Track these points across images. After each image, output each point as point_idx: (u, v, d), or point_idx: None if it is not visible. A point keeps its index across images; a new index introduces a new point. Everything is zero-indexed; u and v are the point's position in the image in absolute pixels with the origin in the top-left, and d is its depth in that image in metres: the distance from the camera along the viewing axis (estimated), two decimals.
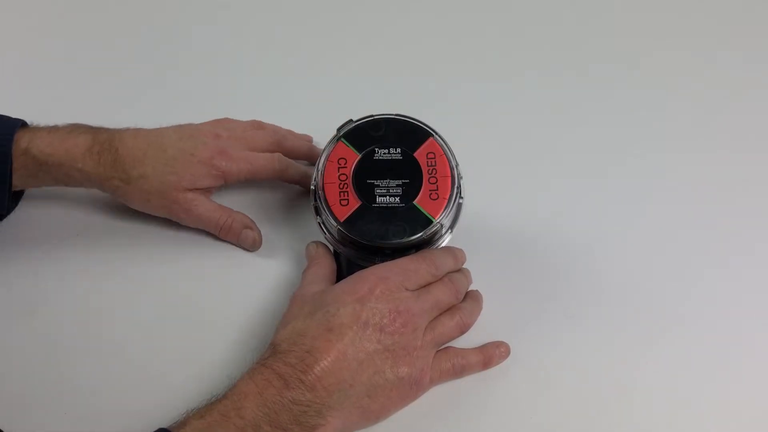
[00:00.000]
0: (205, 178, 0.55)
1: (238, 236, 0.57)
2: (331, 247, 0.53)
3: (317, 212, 0.52)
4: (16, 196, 0.58)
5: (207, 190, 0.57)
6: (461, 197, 0.52)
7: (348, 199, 0.51)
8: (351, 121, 0.53)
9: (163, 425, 0.43)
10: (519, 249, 0.58)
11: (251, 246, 0.57)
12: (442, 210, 0.50)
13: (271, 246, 0.58)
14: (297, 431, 0.43)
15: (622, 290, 0.56)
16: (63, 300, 0.55)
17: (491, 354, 0.51)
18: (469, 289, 0.54)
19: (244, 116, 0.61)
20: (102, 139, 0.54)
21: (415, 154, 0.51)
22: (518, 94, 0.68)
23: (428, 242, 0.51)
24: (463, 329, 0.51)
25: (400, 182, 0.50)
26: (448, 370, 0.50)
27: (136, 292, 0.56)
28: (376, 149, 0.51)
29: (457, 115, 0.66)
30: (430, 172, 0.51)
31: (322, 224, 0.52)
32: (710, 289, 0.56)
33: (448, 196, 0.51)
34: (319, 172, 0.51)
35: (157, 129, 0.56)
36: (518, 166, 0.63)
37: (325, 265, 0.53)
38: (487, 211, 0.59)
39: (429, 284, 0.50)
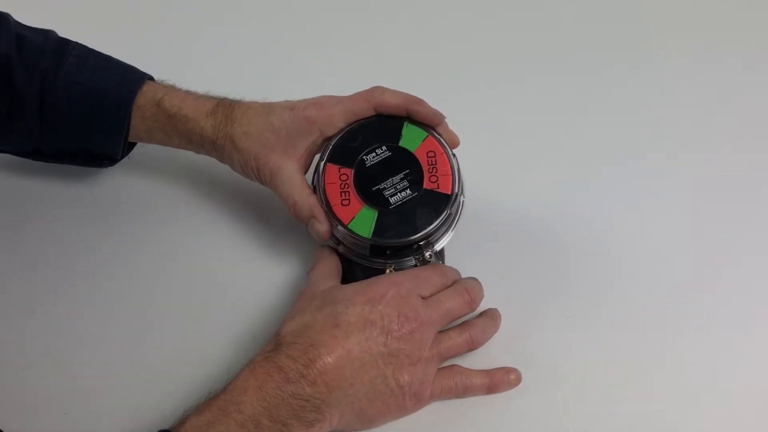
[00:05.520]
0: (301, 134, 0.52)
1: (306, 223, 0.52)
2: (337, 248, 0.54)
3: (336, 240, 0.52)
4: (131, 146, 0.59)
5: (305, 154, 0.53)
6: (462, 195, 0.52)
7: (349, 200, 0.51)
8: (327, 141, 0.53)
9: (164, 426, 0.43)
10: (519, 249, 0.58)
11: (316, 237, 0.52)
12: (452, 183, 0.51)
13: (277, 246, 0.58)
14: (296, 426, 0.43)
15: (622, 290, 0.56)
16: (63, 300, 0.55)
17: (498, 380, 0.50)
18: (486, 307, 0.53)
19: None
20: (224, 104, 0.55)
21: (415, 153, 0.52)
22: (519, 93, 0.68)
23: (455, 216, 0.52)
24: (471, 346, 0.50)
25: (401, 175, 0.51)
26: (450, 388, 0.49)
27: (137, 292, 0.56)
28: (364, 157, 0.51)
29: (457, 114, 0.66)
30: (430, 170, 0.51)
31: (346, 249, 0.52)
32: (711, 289, 0.56)
33: (448, 195, 0.51)
34: (321, 197, 0.51)
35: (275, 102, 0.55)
36: (518, 165, 0.63)
37: (331, 263, 0.53)
38: (487, 211, 0.59)
39: (440, 292, 0.49)
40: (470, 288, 0.50)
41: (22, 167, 0.62)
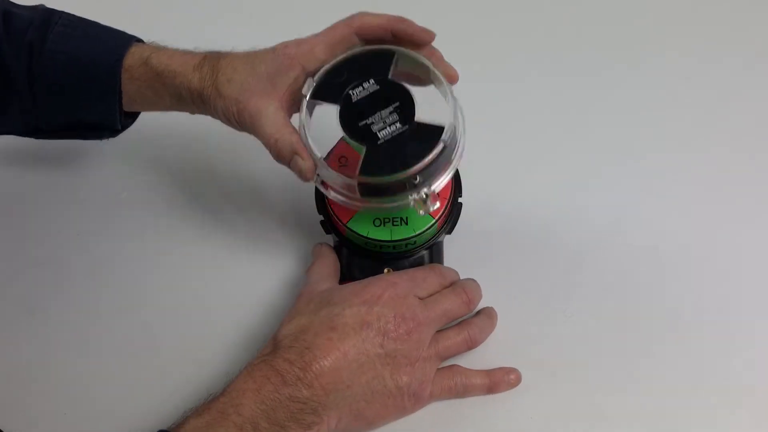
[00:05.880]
0: (282, 73, 0.49)
1: (288, 161, 0.49)
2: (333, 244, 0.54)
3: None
4: (133, 116, 0.58)
5: (287, 93, 0.50)
6: (460, 196, 0.52)
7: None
8: (310, 79, 0.49)
9: (163, 426, 0.43)
10: (518, 248, 0.58)
11: (300, 176, 0.49)
12: (451, 113, 0.47)
13: (275, 244, 0.58)
14: (293, 428, 0.43)
15: (622, 290, 0.56)
16: (63, 300, 0.55)
17: (498, 380, 0.50)
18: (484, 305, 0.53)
19: None
20: (211, 56, 0.52)
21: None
22: (518, 93, 0.68)
23: (451, 153, 0.48)
24: (470, 345, 0.50)
25: (391, 108, 0.47)
26: (449, 388, 0.49)
27: (137, 291, 0.56)
28: (350, 92, 0.48)
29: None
30: None
31: (336, 194, 0.48)
32: (711, 289, 0.56)
33: (447, 196, 0.51)
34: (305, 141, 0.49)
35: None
36: (518, 165, 0.63)
37: (329, 263, 0.53)
38: (487, 211, 0.59)
39: (438, 293, 0.49)
40: (468, 289, 0.50)
41: (21, 168, 0.62)
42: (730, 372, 0.51)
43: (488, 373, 0.50)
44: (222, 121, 0.52)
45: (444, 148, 0.46)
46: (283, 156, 0.49)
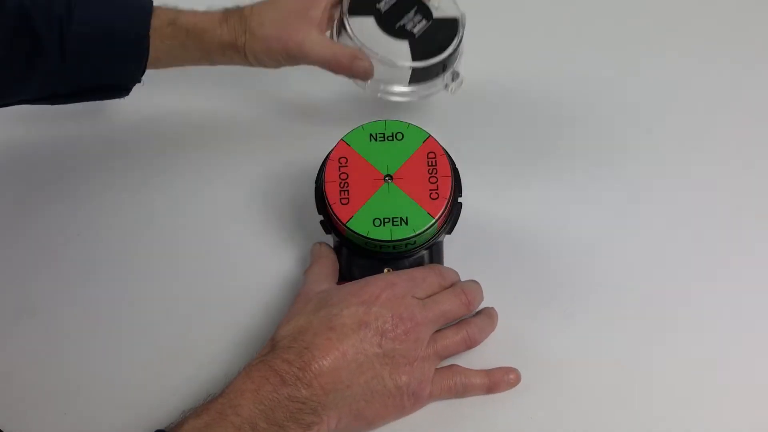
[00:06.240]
0: (314, 4, 0.56)
1: (350, 69, 0.56)
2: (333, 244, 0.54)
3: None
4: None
5: (323, 16, 0.57)
6: (460, 196, 0.52)
7: (348, 198, 0.51)
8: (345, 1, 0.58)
9: (162, 426, 0.43)
10: (519, 248, 0.58)
11: (363, 75, 0.57)
12: (456, 8, 0.59)
13: (275, 244, 0.58)
14: (293, 428, 0.43)
15: (622, 290, 0.56)
16: (63, 300, 0.55)
17: (498, 380, 0.50)
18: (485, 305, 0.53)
19: None
20: (232, 10, 0.57)
21: (415, 153, 0.52)
22: (517, 92, 0.68)
23: (455, 57, 0.59)
24: (469, 345, 0.50)
25: (413, 11, 0.58)
26: (449, 388, 0.49)
27: (137, 290, 0.56)
28: (377, 6, 0.58)
29: (456, 114, 0.66)
30: (430, 171, 0.51)
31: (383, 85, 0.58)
32: (710, 289, 0.56)
33: (448, 196, 0.51)
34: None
35: None
36: (518, 165, 0.63)
37: (328, 264, 0.53)
38: (487, 211, 0.59)
39: (437, 294, 0.50)
40: (468, 290, 0.50)
41: (20, 165, 0.62)
42: (730, 372, 0.52)
43: (488, 372, 0.50)
44: (255, 64, 0.58)
45: (461, 37, 0.58)
46: (344, 65, 0.55)
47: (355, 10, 0.57)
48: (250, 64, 0.57)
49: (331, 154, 0.52)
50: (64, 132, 0.65)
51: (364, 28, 0.57)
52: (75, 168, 0.63)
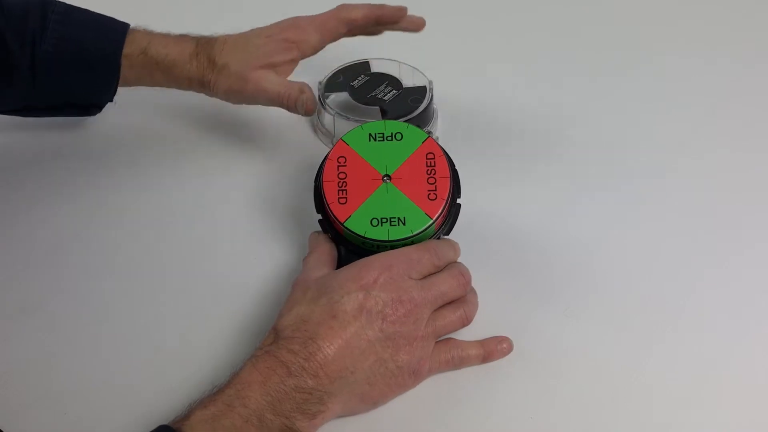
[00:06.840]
0: (279, 52, 0.60)
1: (298, 99, 0.59)
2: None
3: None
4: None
5: (284, 67, 0.60)
6: (459, 197, 0.52)
7: (346, 198, 0.51)
8: (319, 84, 0.66)
9: (165, 422, 0.43)
10: (518, 248, 0.58)
11: (311, 104, 0.59)
12: (424, 78, 0.66)
13: (273, 234, 0.58)
14: (299, 418, 0.44)
15: (622, 290, 0.56)
16: (63, 300, 0.55)
17: (491, 349, 0.51)
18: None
19: None
20: (203, 43, 0.60)
21: (414, 153, 0.52)
22: (517, 92, 0.68)
23: (428, 118, 0.65)
24: (465, 323, 0.51)
25: (384, 84, 0.66)
26: (447, 362, 0.50)
27: (138, 286, 0.56)
28: (351, 84, 0.66)
29: (456, 114, 0.66)
30: (429, 172, 0.51)
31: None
32: (710, 289, 0.56)
33: (446, 196, 0.51)
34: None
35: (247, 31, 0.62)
36: (518, 165, 0.63)
37: (326, 252, 0.53)
38: (487, 211, 0.59)
39: (434, 275, 0.50)
40: (465, 271, 0.51)
41: (18, 165, 0.62)
42: (730, 372, 0.51)
43: (481, 343, 0.51)
44: (220, 97, 0.61)
45: (432, 96, 0.65)
46: (293, 97, 0.59)
47: (331, 88, 0.66)
48: (216, 97, 0.61)
49: (330, 154, 0.52)
50: (64, 132, 0.65)
51: (339, 101, 0.65)
52: (75, 168, 0.63)
